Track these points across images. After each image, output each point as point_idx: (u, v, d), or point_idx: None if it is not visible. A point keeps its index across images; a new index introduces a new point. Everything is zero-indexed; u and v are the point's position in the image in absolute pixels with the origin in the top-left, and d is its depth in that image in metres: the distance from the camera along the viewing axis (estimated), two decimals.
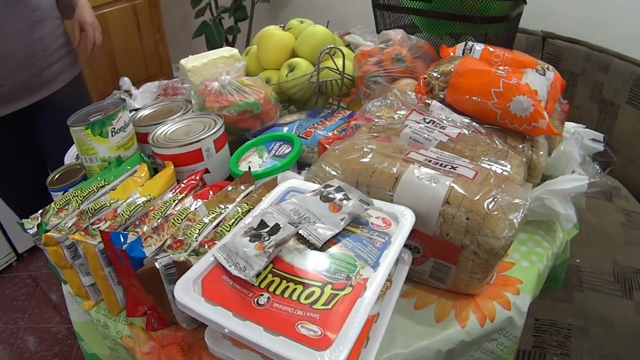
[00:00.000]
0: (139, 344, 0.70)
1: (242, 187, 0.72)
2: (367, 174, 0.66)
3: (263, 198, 0.70)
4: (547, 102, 0.80)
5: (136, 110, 1.04)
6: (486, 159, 0.73)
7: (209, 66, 1.08)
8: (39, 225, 0.73)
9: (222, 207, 0.67)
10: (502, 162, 0.73)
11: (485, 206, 0.61)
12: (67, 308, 0.88)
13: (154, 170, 0.86)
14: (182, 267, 0.58)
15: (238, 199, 0.70)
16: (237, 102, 0.93)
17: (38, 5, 1.23)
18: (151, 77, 2.10)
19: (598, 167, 0.81)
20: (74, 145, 1.12)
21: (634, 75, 1.33)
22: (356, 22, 1.25)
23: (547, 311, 1.07)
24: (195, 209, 0.68)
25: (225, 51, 1.12)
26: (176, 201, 0.73)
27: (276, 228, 0.55)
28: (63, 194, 0.88)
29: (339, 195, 0.60)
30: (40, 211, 0.76)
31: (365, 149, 0.68)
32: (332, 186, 0.61)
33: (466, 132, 0.76)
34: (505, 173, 0.72)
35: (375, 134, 0.76)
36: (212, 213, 0.66)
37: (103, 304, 0.76)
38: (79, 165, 0.97)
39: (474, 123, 0.78)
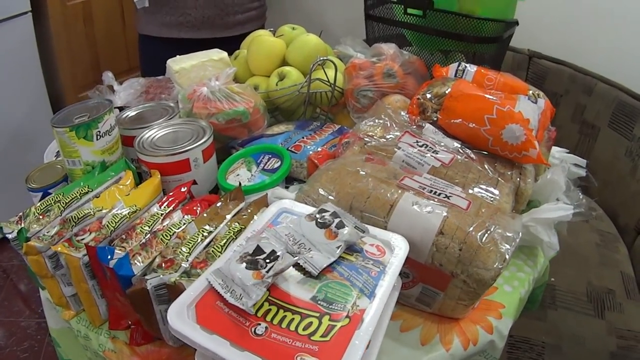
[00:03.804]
0: (122, 359, 0.69)
1: (232, 205, 0.71)
2: (361, 199, 0.66)
3: (255, 216, 0.69)
4: (538, 130, 0.81)
5: (119, 109, 1.01)
6: (477, 187, 0.74)
7: (197, 68, 1.06)
8: (19, 232, 0.71)
9: (213, 225, 0.66)
10: (493, 190, 0.74)
11: (478, 238, 0.62)
12: (45, 313, 0.86)
13: (138, 175, 0.84)
14: (173, 289, 0.57)
15: (228, 217, 0.69)
16: (226, 110, 0.91)
17: None
18: (132, 69, 2.04)
19: (581, 195, 0.83)
20: (54, 141, 1.09)
21: (617, 100, 1.36)
22: (344, 28, 1.24)
23: (521, 328, 1.09)
24: (185, 225, 0.67)
25: (215, 54, 1.10)
26: (163, 215, 0.71)
27: (272, 254, 0.54)
28: (42, 194, 0.86)
29: (334, 222, 0.59)
30: (19, 214, 0.74)
31: (361, 172, 0.68)
32: (327, 211, 0.61)
33: (459, 157, 0.77)
34: (494, 201, 0.73)
35: (369, 155, 0.76)
36: (203, 232, 0.65)
37: (84, 314, 0.74)
38: (59, 164, 0.94)
39: (466, 149, 0.79)
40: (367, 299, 0.53)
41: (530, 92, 0.88)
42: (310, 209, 0.65)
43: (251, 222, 0.67)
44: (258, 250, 0.55)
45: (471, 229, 0.62)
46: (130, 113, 0.97)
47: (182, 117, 0.94)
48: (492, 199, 0.73)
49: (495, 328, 0.72)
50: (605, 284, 1.18)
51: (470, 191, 0.73)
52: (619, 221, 1.38)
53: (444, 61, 1.09)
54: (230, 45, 1.21)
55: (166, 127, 0.89)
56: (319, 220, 0.60)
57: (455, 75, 0.92)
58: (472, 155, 0.79)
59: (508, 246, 0.62)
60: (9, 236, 0.72)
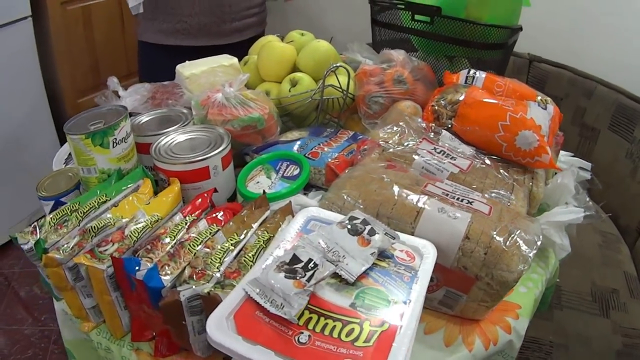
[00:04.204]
0: None
1: (258, 213, 0.71)
2: (388, 205, 0.67)
3: (281, 224, 0.69)
4: (548, 136, 0.83)
5: (131, 115, 1.00)
6: (494, 192, 0.76)
7: (207, 74, 1.06)
8: (36, 243, 0.70)
9: (241, 234, 0.67)
10: (509, 195, 0.76)
11: (502, 242, 0.63)
12: (58, 324, 0.85)
13: (155, 183, 0.84)
14: (207, 300, 0.57)
15: (255, 225, 0.69)
16: (241, 116, 0.92)
17: None
18: (132, 74, 2.03)
19: (588, 198, 0.85)
20: (62, 147, 1.08)
21: (617, 102, 1.39)
22: (346, 32, 1.24)
23: (529, 328, 1.11)
24: (212, 235, 0.67)
25: (225, 59, 1.09)
26: (188, 224, 0.71)
27: (310, 263, 0.55)
28: (54, 203, 0.85)
29: (366, 229, 0.60)
30: (32, 224, 0.72)
31: (385, 179, 0.69)
32: (357, 218, 0.62)
33: (476, 163, 0.78)
34: (511, 205, 0.75)
35: (389, 161, 0.77)
36: (231, 240, 0.65)
37: (104, 325, 0.73)
38: (70, 172, 0.93)
39: (481, 155, 0.81)
40: (403, 304, 0.55)
41: (539, 98, 0.90)
42: (337, 216, 0.66)
43: (279, 230, 0.67)
44: (295, 259, 0.56)
45: (495, 233, 0.64)
46: (143, 119, 0.96)
47: (196, 124, 0.94)
48: (508, 203, 0.75)
49: (514, 328, 0.74)
50: (608, 284, 1.21)
51: (488, 196, 0.75)
52: (620, 222, 1.41)
53: (449, 67, 1.11)
54: (229, 52, 1.21)
55: (182, 134, 0.88)
56: (350, 227, 0.61)
57: (466, 82, 0.94)
58: (487, 161, 0.81)
59: (530, 249, 0.64)
60: (24, 247, 0.71)
